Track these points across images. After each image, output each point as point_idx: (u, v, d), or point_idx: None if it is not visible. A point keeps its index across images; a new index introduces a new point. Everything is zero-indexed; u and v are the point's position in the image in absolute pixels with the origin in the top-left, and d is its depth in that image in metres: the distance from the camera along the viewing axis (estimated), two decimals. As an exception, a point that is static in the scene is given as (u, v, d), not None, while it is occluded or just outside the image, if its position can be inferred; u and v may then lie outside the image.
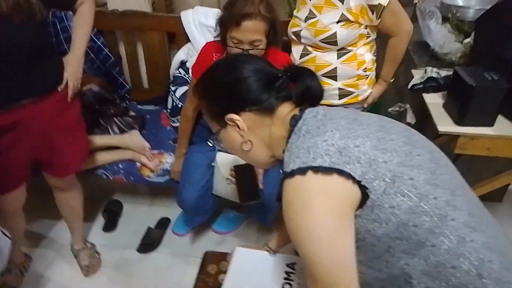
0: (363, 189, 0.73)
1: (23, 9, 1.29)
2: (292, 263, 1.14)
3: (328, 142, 0.76)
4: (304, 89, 0.87)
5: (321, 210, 0.71)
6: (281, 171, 0.81)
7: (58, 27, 2.01)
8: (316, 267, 0.71)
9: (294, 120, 0.84)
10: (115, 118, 2.06)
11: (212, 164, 1.84)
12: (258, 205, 1.71)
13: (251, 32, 1.50)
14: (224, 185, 1.81)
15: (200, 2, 3.33)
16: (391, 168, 0.75)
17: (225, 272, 1.16)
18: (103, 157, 1.98)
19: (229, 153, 1.79)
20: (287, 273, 1.11)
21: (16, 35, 1.31)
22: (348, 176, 0.72)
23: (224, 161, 1.79)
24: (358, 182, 0.73)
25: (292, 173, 0.74)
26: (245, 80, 0.87)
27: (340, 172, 0.72)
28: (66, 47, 1.98)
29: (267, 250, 1.23)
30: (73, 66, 1.54)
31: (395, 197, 0.74)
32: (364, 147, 0.76)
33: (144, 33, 2.22)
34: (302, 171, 0.73)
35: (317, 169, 0.72)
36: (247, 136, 0.89)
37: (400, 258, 0.78)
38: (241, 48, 1.53)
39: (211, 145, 0.91)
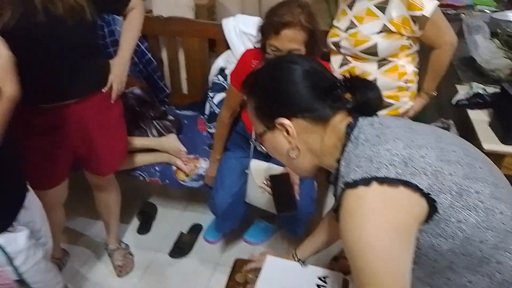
0: (431, 202, 0.69)
1: (76, 12, 1.35)
2: (324, 276, 1.11)
3: (391, 151, 0.72)
4: (364, 102, 0.83)
5: (383, 223, 0.68)
6: (342, 184, 0.76)
7: (105, 30, 2.08)
8: (369, 281, 0.68)
9: (350, 129, 0.81)
10: (154, 121, 2.10)
11: (246, 171, 1.85)
12: (290, 216, 1.69)
13: (290, 41, 1.50)
14: (256, 193, 1.81)
15: (241, 10, 3.39)
16: (457, 181, 0.72)
17: (253, 282, 1.15)
18: (141, 159, 2.03)
19: (265, 161, 1.82)
20: (318, 286, 1.08)
21: (67, 35, 1.37)
22: (415, 188, 0.69)
23: (257, 169, 1.79)
24: (426, 195, 0.69)
25: (355, 184, 0.71)
26: (296, 85, 0.83)
27: (407, 184, 0.69)
28: (111, 50, 2.05)
29: (294, 258, 1.21)
30: (119, 69, 1.59)
31: (462, 211, 0.71)
32: (429, 157, 0.72)
33: (186, 39, 2.27)
34: (366, 181, 0.70)
35: (382, 180, 0.69)
36: (295, 142, 0.85)
37: (463, 275, 0.74)
38: None
39: (252, 144, 0.89)
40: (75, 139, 1.57)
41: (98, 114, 1.57)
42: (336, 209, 0.76)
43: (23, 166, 1.43)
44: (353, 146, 0.78)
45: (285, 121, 0.83)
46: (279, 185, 1.44)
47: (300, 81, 0.83)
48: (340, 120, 0.84)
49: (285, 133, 0.85)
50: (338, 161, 0.81)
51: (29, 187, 1.27)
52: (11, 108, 0.99)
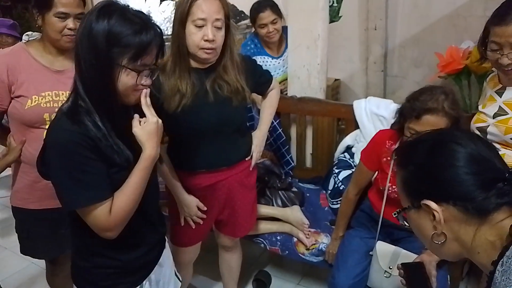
0: None
1: (239, 94, 1.56)
2: None
3: None
4: None
5: None
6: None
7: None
8: None
9: None
10: (279, 192, 2.19)
11: (370, 253, 1.78)
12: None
13: (431, 126, 1.47)
14: (381, 278, 1.71)
15: (366, 93, 3.48)
16: None
17: None
18: (264, 226, 2.09)
19: (391, 244, 1.74)
20: None
21: (232, 114, 1.59)
22: None
23: (383, 252, 1.71)
24: None
25: None
26: (455, 169, 0.76)
27: None
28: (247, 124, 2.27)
29: None
30: (259, 140, 1.76)
31: None
32: None
33: (316, 117, 2.39)
34: None
35: None
36: (442, 228, 0.78)
37: None
38: None
39: (397, 219, 0.83)
40: (221, 201, 1.71)
41: (241, 180, 1.72)
42: None
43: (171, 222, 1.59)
44: None
45: (432, 204, 0.77)
46: (414, 275, 1.35)
47: (462, 166, 0.76)
48: (502, 218, 0.74)
49: (431, 217, 0.78)
50: (494, 263, 0.71)
51: (166, 244, 1.38)
52: (149, 167, 1.06)
